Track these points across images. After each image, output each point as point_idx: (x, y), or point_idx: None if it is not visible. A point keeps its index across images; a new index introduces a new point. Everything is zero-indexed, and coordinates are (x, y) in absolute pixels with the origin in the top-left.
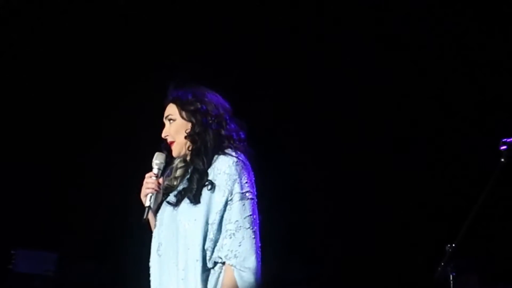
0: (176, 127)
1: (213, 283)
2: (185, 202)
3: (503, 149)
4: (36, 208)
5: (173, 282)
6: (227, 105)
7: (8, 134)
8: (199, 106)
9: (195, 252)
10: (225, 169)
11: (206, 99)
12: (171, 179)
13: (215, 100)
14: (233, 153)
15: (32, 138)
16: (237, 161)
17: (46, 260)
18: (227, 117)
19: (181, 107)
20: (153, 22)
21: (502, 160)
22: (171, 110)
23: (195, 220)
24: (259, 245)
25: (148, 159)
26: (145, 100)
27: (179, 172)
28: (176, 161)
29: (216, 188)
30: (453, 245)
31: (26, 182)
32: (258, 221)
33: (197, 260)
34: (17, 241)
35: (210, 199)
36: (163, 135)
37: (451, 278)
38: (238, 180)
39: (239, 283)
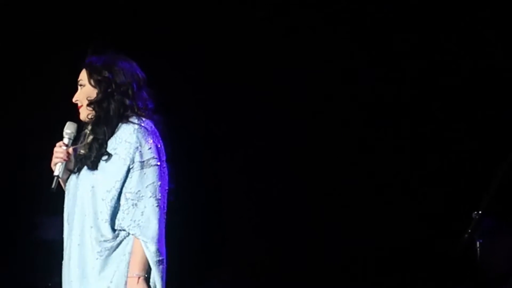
0: (83, 93)
1: (116, 252)
2: (85, 169)
3: None
4: None
5: (74, 248)
6: (139, 74)
7: None
8: (106, 74)
9: (90, 219)
10: (126, 137)
11: (116, 67)
12: (84, 145)
13: (125, 69)
14: (136, 121)
15: None
16: (138, 128)
17: None
18: (135, 86)
19: (90, 73)
20: None
21: None
22: (82, 75)
23: (92, 187)
24: (165, 211)
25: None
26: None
27: (89, 139)
28: (87, 128)
29: (117, 156)
30: (479, 212)
31: None
32: (165, 187)
33: (91, 227)
34: (41, 208)
35: (108, 167)
36: (73, 99)
37: (477, 245)
38: (139, 148)
39: (145, 253)
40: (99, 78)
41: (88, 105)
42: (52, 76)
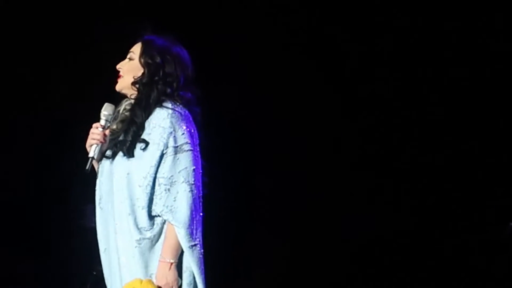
0: (130, 66)
1: (159, 242)
2: (120, 155)
3: None
4: None
5: (112, 235)
6: (189, 69)
7: None
8: (158, 60)
9: (126, 206)
10: (160, 122)
11: (168, 55)
12: (117, 122)
13: (178, 59)
14: (169, 105)
15: None
16: (172, 113)
17: None
18: (182, 80)
19: (144, 51)
20: None
21: None
22: (136, 48)
23: (128, 174)
24: (200, 194)
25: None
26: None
27: (123, 117)
28: (123, 104)
29: (151, 142)
30: None
31: None
32: (199, 171)
33: (129, 214)
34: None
35: (144, 152)
36: (117, 66)
37: None
38: (173, 133)
39: (179, 238)
40: (150, 61)
41: (133, 83)
42: (90, 63)
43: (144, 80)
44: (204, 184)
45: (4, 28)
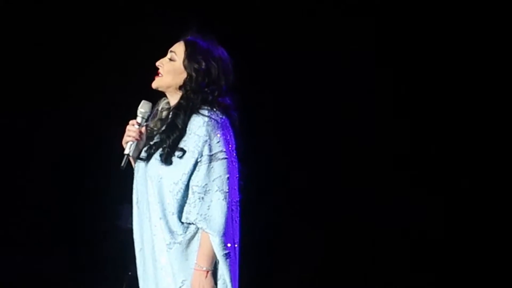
0: (171, 67)
1: (191, 248)
2: (154, 158)
3: None
4: None
5: (148, 236)
6: (231, 76)
7: None
8: (203, 66)
9: (159, 210)
10: (195, 130)
11: (213, 62)
12: (155, 121)
13: (222, 66)
14: (206, 112)
15: None
16: (208, 121)
17: None
18: (224, 87)
19: (189, 54)
20: None
21: None
22: (179, 49)
23: (161, 178)
24: (237, 199)
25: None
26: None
27: (164, 114)
28: (161, 103)
29: (186, 149)
30: None
31: None
32: (235, 178)
33: (160, 218)
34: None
35: (179, 159)
36: (157, 63)
37: None
38: (208, 142)
39: (213, 246)
40: (196, 66)
41: (181, 87)
42: (133, 60)
43: (192, 86)
44: (240, 188)
45: (35, 26)
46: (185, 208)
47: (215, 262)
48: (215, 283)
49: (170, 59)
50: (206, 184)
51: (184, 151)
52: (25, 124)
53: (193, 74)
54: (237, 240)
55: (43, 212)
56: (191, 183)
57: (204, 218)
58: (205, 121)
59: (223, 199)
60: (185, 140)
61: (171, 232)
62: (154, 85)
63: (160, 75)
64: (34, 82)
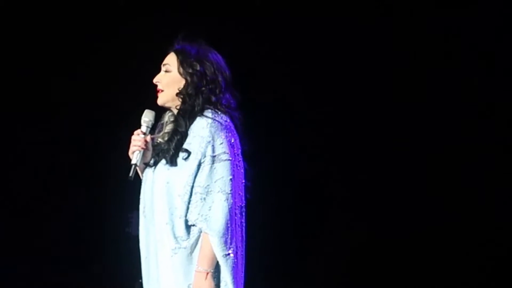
0: (169, 79)
1: (195, 252)
2: (161, 164)
3: None
4: None
5: (152, 243)
6: (227, 72)
7: None
8: (198, 68)
9: (165, 215)
10: (199, 131)
11: (207, 62)
12: (163, 134)
13: (216, 64)
14: (210, 114)
15: None
16: (211, 122)
17: None
18: (223, 84)
19: (181, 61)
20: None
21: None
22: (171, 60)
23: (168, 182)
24: (242, 204)
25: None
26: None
27: (168, 128)
28: (166, 117)
29: (190, 150)
30: None
31: None
32: (240, 181)
33: (167, 223)
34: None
35: (184, 162)
36: (154, 80)
37: None
38: (211, 143)
39: (213, 246)
40: (191, 70)
41: (177, 94)
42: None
43: (189, 91)
44: (247, 189)
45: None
46: (188, 209)
47: (217, 264)
48: (218, 285)
49: (166, 71)
50: (208, 185)
51: (189, 152)
52: (29, 132)
53: (189, 78)
54: (240, 244)
55: (51, 218)
56: (194, 184)
57: (205, 218)
58: (208, 123)
59: (224, 200)
60: (189, 143)
61: (176, 237)
62: (159, 102)
63: (160, 91)
64: (37, 86)
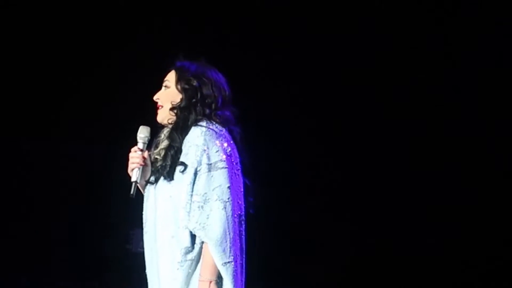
0: (167, 94)
1: (193, 259)
2: (162, 180)
3: None
4: None
5: (154, 258)
6: (226, 89)
7: None
8: (194, 83)
9: (171, 228)
10: (194, 140)
11: (204, 78)
12: (159, 150)
13: (214, 81)
14: (204, 124)
15: None
16: (205, 131)
17: None
18: (220, 101)
19: (178, 77)
20: None
21: None
22: (170, 77)
23: (170, 197)
24: (240, 212)
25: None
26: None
27: (164, 144)
28: (162, 134)
29: (187, 162)
30: None
31: None
32: (239, 189)
33: (172, 237)
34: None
35: (183, 174)
36: (154, 98)
37: None
38: (206, 151)
39: (212, 255)
40: (186, 86)
41: (171, 109)
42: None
43: (182, 105)
44: (249, 204)
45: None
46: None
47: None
48: None
49: (165, 87)
50: (205, 193)
51: (185, 165)
52: (35, 151)
53: (184, 93)
54: (239, 253)
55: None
56: (192, 193)
57: (203, 227)
58: (202, 131)
59: (222, 209)
60: (186, 153)
61: (182, 249)
62: (159, 118)
63: (160, 107)
64: (40, 100)
